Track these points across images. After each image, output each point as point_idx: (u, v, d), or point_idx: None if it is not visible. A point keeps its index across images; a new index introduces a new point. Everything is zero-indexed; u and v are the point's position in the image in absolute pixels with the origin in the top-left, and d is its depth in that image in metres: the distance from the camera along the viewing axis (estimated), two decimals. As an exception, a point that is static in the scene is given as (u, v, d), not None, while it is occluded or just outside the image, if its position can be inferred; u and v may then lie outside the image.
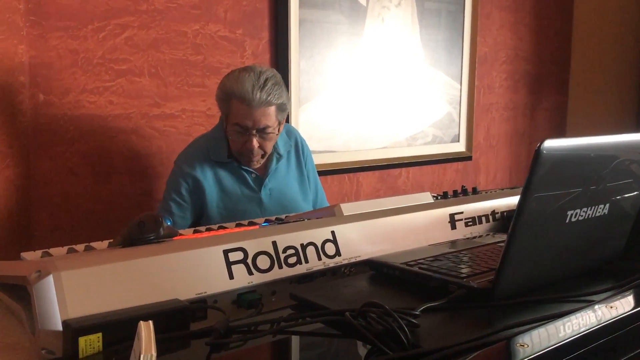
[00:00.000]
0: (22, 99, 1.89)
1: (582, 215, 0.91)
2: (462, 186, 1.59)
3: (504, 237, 1.25)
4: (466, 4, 3.02)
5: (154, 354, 0.62)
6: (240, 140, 1.76)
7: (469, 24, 3.04)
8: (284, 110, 1.79)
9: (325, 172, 2.57)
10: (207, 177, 1.80)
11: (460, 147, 3.13)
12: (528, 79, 3.45)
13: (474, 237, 1.28)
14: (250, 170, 1.84)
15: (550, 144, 0.79)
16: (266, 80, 1.72)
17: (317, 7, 2.48)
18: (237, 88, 1.71)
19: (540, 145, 0.79)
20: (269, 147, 1.80)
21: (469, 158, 3.18)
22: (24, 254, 1.11)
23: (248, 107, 1.70)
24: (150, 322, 0.69)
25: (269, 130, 1.75)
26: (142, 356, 0.61)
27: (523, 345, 0.67)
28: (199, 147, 1.86)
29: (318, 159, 2.45)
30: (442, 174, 3.10)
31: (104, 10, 2.01)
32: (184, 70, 2.20)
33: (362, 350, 0.80)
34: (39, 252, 1.11)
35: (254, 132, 1.73)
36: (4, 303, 1.01)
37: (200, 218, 1.84)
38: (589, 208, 0.92)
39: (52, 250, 1.12)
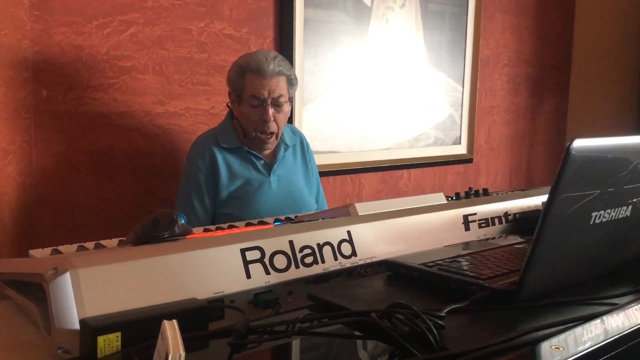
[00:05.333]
0: (25, 95, 1.86)
1: (605, 217, 0.90)
2: (470, 188, 1.58)
3: (518, 239, 1.24)
4: (469, 6, 3.01)
5: (183, 353, 0.60)
6: (256, 114, 1.82)
7: (472, 26, 3.04)
8: (293, 85, 1.89)
9: (328, 172, 2.55)
10: (219, 162, 1.85)
11: (461, 149, 3.12)
12: (529, 82, 3.45)
13: (487, 239, 1.27)
14: (259, 156, 1.89)
15: (580, 143, 0.78)
16: (275, 55, 1.85)
17: (322, 6, 2.47)
18: (250, 61, 1.82)
19: (570, 145, 0.77)
20: (282, 122, 1.87)
21: (470, 160, 3.18)
22: (32, 252, 1.09)
23: (263, 78, 1.80)
24: (175, 321, 0.68)
25: (282, 99, 1.83)
26: (170, 356, 0.60)
27: (559, 348, 0.65)
28: (207, 137, 1.91)
29: (321, 160, 2.44)
30: (443, 176, 3.09)
31: (109, 6, 1.98)
32: (189, 68, 2.18)
33: (381, 351, 0.78)
34: (48, 250, 1.09)
35: (269, 102, 1.81)
36: (14, 301, 0.99)
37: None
38: (613, 210, 0.91)
39: (61, 248, 1.09)
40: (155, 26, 2.09)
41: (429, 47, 2.88)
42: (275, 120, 1.83)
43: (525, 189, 1.67)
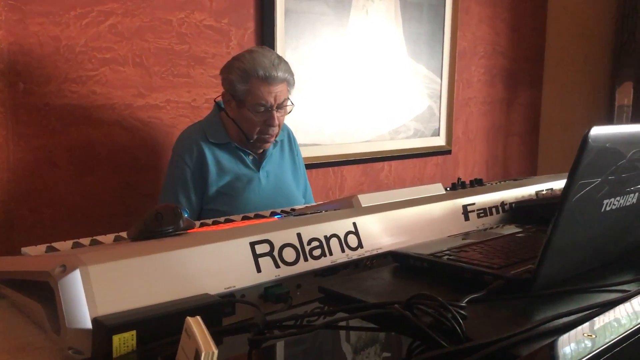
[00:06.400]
0: (1, 88, 1.80)
1: (615, 205, 0.91)
2: (459, 178, 1.58)
3: (515, 228, 1.25)
4: (447, -2, 3.02)
5: (216, 351, 0.58)
6: (261, 119, 1.78)
7: (450, 18, 3.05)
8: (292, 85, 1.85)
9: (310, 165, 2.53)
10: (207, 156, 1.81)
11: (440, 141, 3.14)
12: (504, 74, 3.49)
13: (486, 229, 1.27)
14: (248, 152, 1.86)
15: (597, 131, 0.78)
16: (278, 58, 1.80)
17: (303, -3, 2.44)
18: (258, 66, 1.74)
19: (587, 133, 0.77)
20: (282, 122, 1.85)
21: (449, 152, 3.20)
22: (25, 249, 1.05)
23: (269, 85, 1.75)
24: (199, 317, 0.65)
25: (286, 102, 1.81)
26: (203, 354, 0.57)
27: (590, 336, 0.65)
28: (195, 131, 1.87)
29: (303, 152, 2.41)
30: (423, 168, 3.10)
31: (87, -5, 1.93)
32: (169, 59, 2.13)
33: (402, 343, 0.77)
34: (42, 247, 1.05)
35: (275, 108, 1.77)
36: (12, 301, 0.94)
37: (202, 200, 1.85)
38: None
39: (56, 245, 1.06)
40: (135, 17, 2.03)
41: (408, 38, 2.88)
42: (277, 122, 1.81)
43: (517, 178, 1.69)
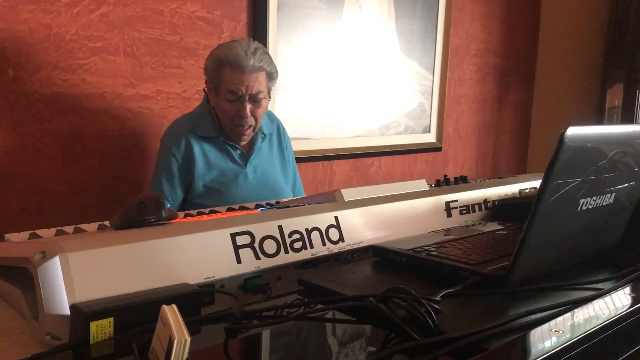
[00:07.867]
0: (-10, 74, 1.80)
1: (591, 204, 0.92)
2: (445, 175, 1.59)
3: (497, 226, 1.26)
4: (440, -5, 3.03)
5: (189, 338, 0.59)
6: (233, 108, 1.77)
7: (443, 14, 3.06)
8: (272, 79, 1.83)
9: (300, 159, 2.54)
10: (195, 150, 1.81)
11: (430, 137, 3.15)
12: (496, 72, 3.50)
13: (468, 226, 1.28)
14: (236, 146, 1.86)
15: (573, 131, 0.79)
16: (256, 48, 1.77)
17: (296, -9, 2.44)
18: (229, 54, 1.74)
19: (564, 132, 0.78)
20: (259, 116, 1.82)
21: (439, 149, 3.21)
22: (8, 236, 1.05)
23: (241, 73, 1.73)
24: (174, 306, 0.66)
25: (261, 95, 1.78)
26: (175, 342, 0.58)
27: (558, 331, 0.66)
28: (184, 123, 1.86)
29: (294, 146, 2.42)
30: (413, 165, 3.11)
31: (78, -16, 1.92)
32: (160, 50, 2.13)
33: (376, 335, 0.78)
34: (25, 234, 1.05)
35: (247, 98, 1.75)
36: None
37: (187, 193, 1.85)
38: (598, 197, 0.93)
39: (39, 232, 1.06)
40: (126, 6, 2.03)
41: (401, 34, 2.88)
42: (253, 114, 1.78)
43: (502, 176, 1.70)
